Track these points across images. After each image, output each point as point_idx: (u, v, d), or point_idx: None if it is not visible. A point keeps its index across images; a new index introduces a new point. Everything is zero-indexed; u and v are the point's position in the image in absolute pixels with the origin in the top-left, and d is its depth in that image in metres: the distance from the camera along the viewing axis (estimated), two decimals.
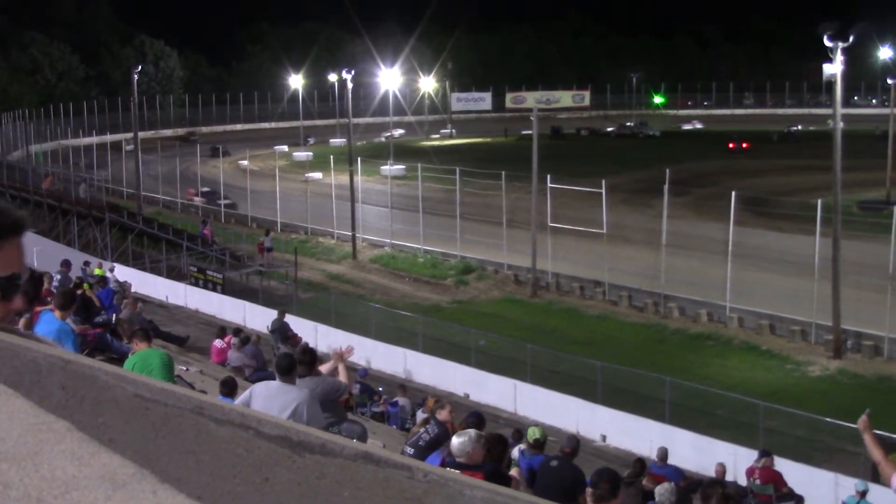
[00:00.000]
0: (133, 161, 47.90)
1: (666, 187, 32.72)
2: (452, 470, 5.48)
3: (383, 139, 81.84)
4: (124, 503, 1.12)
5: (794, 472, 16.31)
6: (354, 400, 19.51)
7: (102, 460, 1.21)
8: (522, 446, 10.83)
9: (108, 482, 1.15)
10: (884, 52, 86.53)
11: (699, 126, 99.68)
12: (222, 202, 49.86)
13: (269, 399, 6.86)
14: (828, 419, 19.80)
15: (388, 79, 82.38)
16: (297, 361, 7.60)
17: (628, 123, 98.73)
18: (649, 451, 17.15)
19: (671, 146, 76.81)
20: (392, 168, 54.07)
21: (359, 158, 45.02)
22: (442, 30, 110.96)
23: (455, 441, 6.65)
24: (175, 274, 35.33)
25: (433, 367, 25.10)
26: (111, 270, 26.93)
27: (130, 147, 62.85)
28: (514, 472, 8.98)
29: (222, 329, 23.23)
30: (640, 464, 13.73)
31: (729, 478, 16.09)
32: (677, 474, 14.33)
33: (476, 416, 9.85)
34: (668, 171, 33.46)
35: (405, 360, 25.73)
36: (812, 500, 16.15)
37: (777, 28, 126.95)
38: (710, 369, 26.04)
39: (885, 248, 27.34)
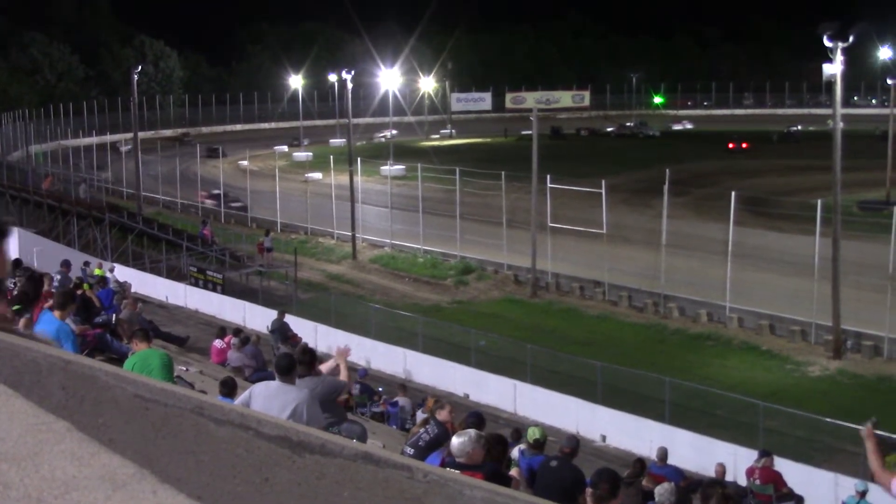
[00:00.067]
0: (133, 161, 47.89)
1: (666, 187, 32.72)
2: (452, 470, 5.48)
3: (375, 140, 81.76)
4: (124, 503, 1.12)
5: (793, 473, 16.31)
6: (354, 400, 19.51)
7: (102, 460, 1.21)
8: (522, 446, 10.83)
9: (108, 482, 1.15)
10: (884, 52, 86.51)
11: (689, 126, 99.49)
12: (234, 204, 49.33)
13: (269, 399, 6.85)
14: (828, 419, 19.80)
15: (388, 79, 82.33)
16: (296, 361, 7.60)
17: (628, 123, 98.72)
18: (649, 452, 17.15)
19: (671, 146, 76.83)
20: (392, 168, 54.07)
21: (359, 159, 45.02)
22: (442, 30, 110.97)
23: (455, 441, 6.65)
24: (175, 274, 35.33)
25: (433, 368, 25.10)
26: (111, 271, 26.92)
27: (125, 147, 62.91)
28: (513, 472, 8.98)
29: (222, 329, 23.22)
30: (639, 464, 13.72)
31: (729, 478, 16.09)
32: (677, 474, 14.33)
33: (476, 417, 9.84)
34: (667, 171, 33.45)
35: (405, 361, 25.73)
36: (812, 500, 16.15)
37: (777, 28, 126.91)
38: (709, 369, 26.04)
39: (885, 248, 27.33)
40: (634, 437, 20.20)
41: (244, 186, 50.36)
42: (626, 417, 20.76)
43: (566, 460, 9.30)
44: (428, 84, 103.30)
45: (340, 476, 1.52)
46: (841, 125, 27.96)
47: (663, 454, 14.77)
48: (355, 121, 55.24)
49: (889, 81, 58.86)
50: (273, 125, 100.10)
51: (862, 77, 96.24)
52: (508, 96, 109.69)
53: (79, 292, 15.68)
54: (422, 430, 9.28)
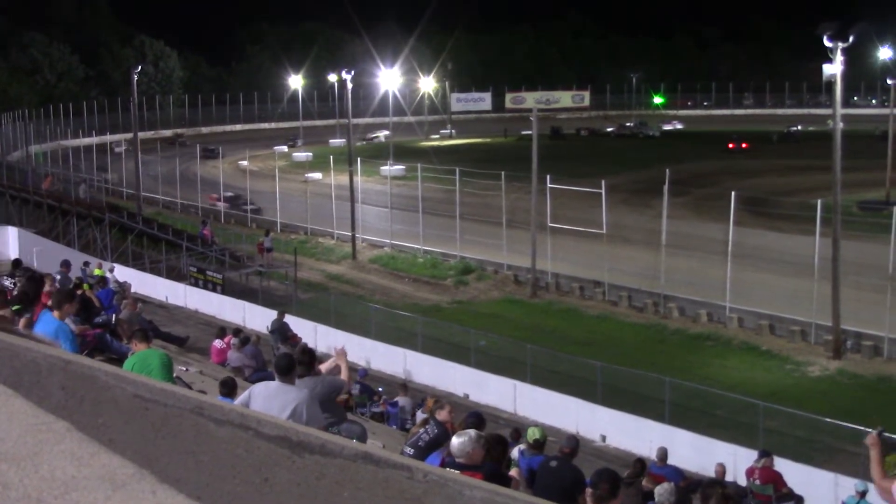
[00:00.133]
0: (132, 161, 47.85)
1: (666, 187, 32.72)
2: (452, 470, 5.48)
3: (367, 142, 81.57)
4: (124, 503, 1.12)
5: (793, 473, 16.30)
6: (354, 400, 19.51)
7: (102, 461, 1.21)
8: (522, 446, 10.83)
9: (107, 482, 1.15)
10: (883, 53, 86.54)
11: (679, 126, 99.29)
12: (248, 207, 48.85)
13: (269, 399, 6.85)
14: (827, 419, 19.81)
15: (388, 79, 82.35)
16: (296, 362, 7.60)
17: (628, 124, 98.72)
18: (649, 452, 17.15)
19: (671, 146, 76.84)
20: (392, 168, 54.07)
21: (359, 159, 45.03)
22: (442, 30, 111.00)
23: (455, 441, 6.65)
24: (175, 274, 35.32)
25: (433, 368, 25.10)
26: (111, 271, 26.92)
27: (120, 148, 62.82)
28: (513, 472, 8.97)
29: (222, 329, 23.22)
30: (639, 464, 13.73)
31: (729, 478, 16.10)
32: (677, 474, 14.33)
33: (476, 417, 9.83)
34: (667, 171, 33.45)
35: (405, 361, 25.73)
36: (812, 500, 16.14)
37: (777, 28, 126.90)
38: (709, 369, 26.04)
39: (885, 248, 27.33)
40: (634, 438, 20.20)
41: (244, 186, 50.34)
42: (626, 417, 20.76)
43: (566, 460, 9.30)
44: (428, 84, 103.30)
45: (340, 476, 1.52)
46: (841, 125, 27.97)
47: (663, 454, 14.77)
48: (355, 121, 55.24)
49: (889, 81, 58.88)
50: (273, 125, 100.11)
51: (862, 77, 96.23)
52: (508, 96, 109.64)
53: (78, 292, 15.67)
54: (421, 430, 9.28)
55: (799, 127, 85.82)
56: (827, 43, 26.85)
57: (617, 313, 31.68)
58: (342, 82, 57.44)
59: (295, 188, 49.99)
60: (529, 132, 47.84)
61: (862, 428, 17.74)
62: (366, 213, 43.55)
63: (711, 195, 42.13)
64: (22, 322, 8.03)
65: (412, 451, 8.58)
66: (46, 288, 10.46)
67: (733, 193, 31.30)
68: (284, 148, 77.02)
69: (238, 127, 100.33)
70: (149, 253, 38.68)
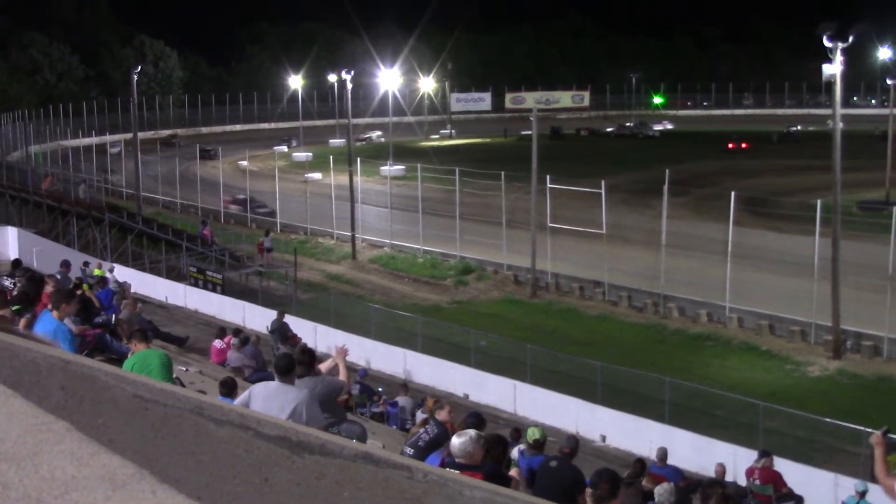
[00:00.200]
0: (129, 162, 47.84)
1: (665, 187, 32.72)
2: (452, 470, 5.48)
3: (359, 143, 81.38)
4: (123, 503, 1.12)
5: (793, 473, 16.31)
6: (354, 400, 19.51)
7: (102, 461, 1.21)
8: (522, 446, 10.83)
9: (107, 482, 1.15)
10: (883, 53, 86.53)
11: (669, 127, 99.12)
12: (261, 210, 48.20)
13: (268, 400, 6.85)
14: (827, 419, 19.81)
15: (388, 79, 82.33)
16: (295, 362, 7.60)
17: (628, 124, 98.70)
18: (649, 452, 17.15)
19: (671, 146, 76.83)
20: (392, 168, 54.06)
21: (358, 159, 45.03)
22: (441, 30, 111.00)
23: (455, 441, 6.65)
24: (175, 274, 35.33)
25: (433, 368, 25.10)
26: (111, 271, 26.92)
27: (115, 149, 62.71)
28: (513, 472, 8.97)
29: (222, 329, 23.22)
30: (639, 464, 13.73)
31: (728, 478, 16.10)
32: (677, 475, 14.33)
33: (476, 417, 9.83)
34: (667, 171, 33.45)
35: (405, 361, 25.73)
36: (812, 500, 16.15)
37: (777, 28, 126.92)
38: (709, 369, 26.05)
39: (885, 248, 27.34)
40: (634, 438, 20.21)
41: (244, 187, 50.32)
42: (626, 417, 20.76)
43: (566, 460, 9.30)
44: (427, 84, 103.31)
45: (340, 476, 1.52)
46: (840, 125, 27.98)
47: (663, 454, 14.77)
48: (355, 121, 55.24)
49: (889, 81, 58.87)
50: (273, 125, 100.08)
51: (862, 77, 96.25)
52: (508, 96, 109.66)
53: (78, 292, 15.66)
54: (421, 430, 9.28)
55: (799, 127, 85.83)
56: (827, 43, 26.86)
57: (617, 313, 31.68)
58: (342, 82, 57.40)
59: (295, 188, 50.00)
60: (529, 132, 47.86)
61: (862, 428, 17.80)
62: (366, 213, 43.55)
63: (711, 195, 42.14)
64: (22, 322, 8.03)
65: (412, 451, 8.58)
66: (49, 288, 10.45)
67: (733, 193, 31.31)
68: (284, 148, 77.02)
69: (238, 127, 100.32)
70: (148, 253, 38.68)
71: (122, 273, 29.81)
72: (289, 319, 25.23)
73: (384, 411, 20.29)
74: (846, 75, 31.66)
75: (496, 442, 7.64)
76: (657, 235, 32.68)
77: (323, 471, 1.53)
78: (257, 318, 28.34)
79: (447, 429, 8.96)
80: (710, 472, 16.03)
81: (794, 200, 38.38)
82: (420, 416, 16.50)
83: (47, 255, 28.77)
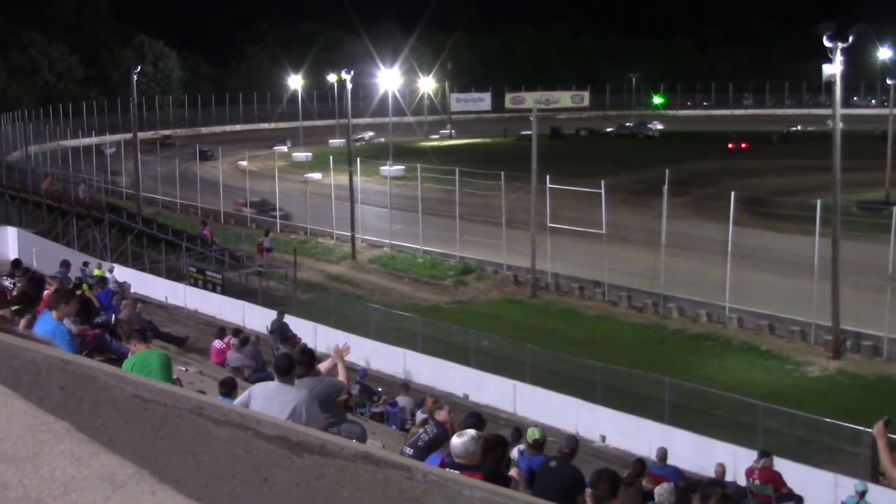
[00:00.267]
0: (120, 162, 47.79)
1: (665, 187, 32.73)
2: (451, 470, 5.48)
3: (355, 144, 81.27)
4: (123, 503, 1.12)
5: (793, 473, 16.31)
6: (354, 400, 19.52)
7: (101, 461, 1.21)
8: (522, 446, 10.82)
9: (107, 483, 1.15)
10: (883, 53, 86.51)
11: (660, 127, 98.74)
12: (275, 213, 47.31)
13: (268, 400, 6.85)
14: (827, 419, 19.81)
15: (388, 79, 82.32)
16: (295, 362, 7.60)
17: (627, 124, 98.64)
18: (649, 452, 17.15)
19: (671, 146, 76.81)
20: (391, 169, 54.06)
21: (358, 159, 45.03)
22: (441, 30, 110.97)
23: (455, 441, 6.65)
24: (174, 274, 35.33)
25: (433, 368, 25.10)
26: (110, 271, 26.92)
27: (109, 150, 62.60)
28: (513, 472, 8.97)
29: (221, 329, 23.22)
30: (639, 464, 13.73)
31: (728, 478, 16.10)
32: (677, 475, 14.33)
33: (475, 417, 9.84)
34: (667, 171, 33.46)
35: (405, 361, 25.73)
36: (811, 500, 16.15)
37: (777, 28, 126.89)
38: (709, 370, 26.05)
39: (885, 248, 27.35)
40: (634, 438, 20.21)
41: (243, 187, 50.31)
42: (626, 418, 20.77)
43: (565, 460, 9.30)
44: (427, 84, 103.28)
45: (340, 476, 1.52)
46: (840, 125, 27.98)
47: (663, 454, 14.78)
48: (354, 121, 55.24)
49: (889, 82, 58.87)
50: (272, 125, 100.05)
51: (861, 77, 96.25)
52: (508, 96, 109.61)
53: (78, 293, 15.66)
54: (421, 430, 9.28)
55: (798, 127, 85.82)
56: (826, 43, 26.87)
57: (616, 313, 31.68)
58: (342, 82, 57.38)
59: (294, 188, 50.01)
60: (529, 132, 47.86)
61: (861, 428, 17.81)
62: (365, 214, 43.55)
63: (711, 195, 42.15)
64: (22, 322, 8.04)
65: (411, 451, 8.57)
66: (53, 288, 10.46)
67: (733, 193, 31.31)
68: (284, 148, 76.98)
69: (238, 127, 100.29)
70: (148, 253, 38.68)
71: (121, 273, 29.81)
72: (288, 319, 25.24)
73: (384, 411, 20.29)
74: (846, 75, 31.67)
75: (496, 442, 7.64)
76: (657, 235, 32.68)
77: (323, 471, 1.53)
78: (257, 319, 28.35)
79: (447, 429, 8.95)
80: (710, 473, 16.04)
81: (794, 200, 38.38)
82: (420, 416, 16.50)
83: (47, 256, 28.77)
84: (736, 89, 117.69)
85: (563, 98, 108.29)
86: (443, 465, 6.74)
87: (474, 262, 37.03)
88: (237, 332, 22.48)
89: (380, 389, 21.60)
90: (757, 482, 15.24)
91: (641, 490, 12.35)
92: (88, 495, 1.11)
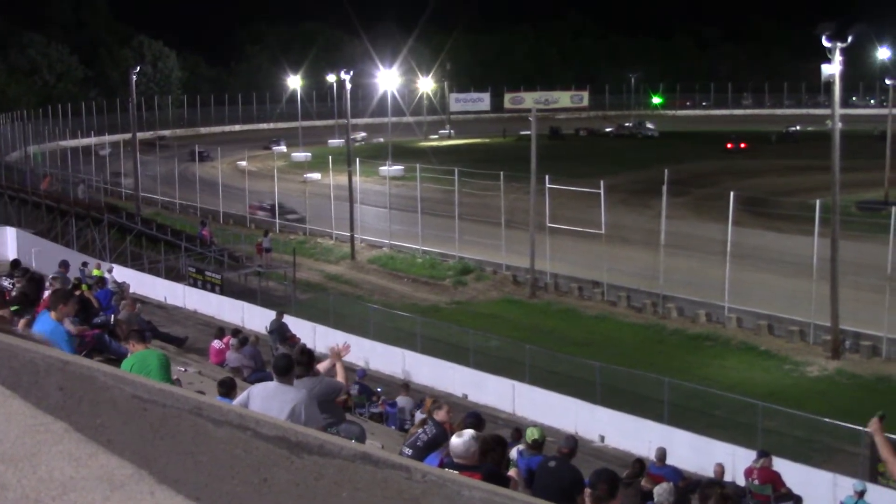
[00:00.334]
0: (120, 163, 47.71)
1: (664, 188, 32.73)
2: (450, 471, 5.48)
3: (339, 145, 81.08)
4: None
5: (792, 473, 16.31)
6: (353, 400, 19.51)
7: (100, 461, 1.21)
8: (521, 447, 10.82)
9: (105, 483, 1.15)
10: (882, 53, 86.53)
11: (651, 126, 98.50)
12: (291, 216, 46.54)
13: (267, 400, 6.86)
14: (826, 419, 19.82)
15: (387, 79, 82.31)
16: (294, 362, 7.60)
17: (627, 124, 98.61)
18: (648, 452, 17.16)
19: (670, 146, 76.82)
20: (390, 169, 54.04)
21: (357, 159, 45.01)
22: (440, 30, 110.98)
23: (454, 441, 6.65)
24: (174, 275, 35.32)
25: (432, 368, 25.10)
26: (110, 271, 26.90)
27: (104, 151, 62.51)
28: (512, 472, 8.97)
29: (221, 330, 23.22)
30: (638, 464, 13.73)
31: (727, 478, 16.10)
32: (676, 475, 14.33)
33: (474, 417, 9.83)
34: (666, 171, 33.46)
35: (404, 361, 25.73)
36: (810, 500, 16.15)
37: (776, 28, 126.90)
38: (708, 370, 26.05)
39: (884, 248, 27.36)
40: (633, 438, 20.21)
41: (242, 187, 50.28)
42: (625, 418, 20.77)
43: (565, 461, 9.30)
44: (426, 84, 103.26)
45: (339, 477, 1.52)
46: (839, 125, 27.99)
47: (662, 454, 14.78)
48: (354, 121, 55.24)
49: (888, 82, 58.87)
50: (272, 125, 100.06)
51: (861, 77, 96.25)
52: (507, 97, 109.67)
53: (77, 293, 15.65)
54: (420, 430, 9.28)
55: (798, 127, 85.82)
56: (825, 43, 26.86)
57: (616, 313, 31.68)
58: (341, 83, 57.35)
59: (294, 188, 49.99)
60: (528, 132, 47.89)
61: (860, 428, 17.81)
62: (365, 214, 43.54)
63: (710, 195, 42.15)
64: (21, 323, 8.03)
65: (410, 451, 8.57)
66: (55, 287, 10.44)
67: (732, 193, 31.32)
68: (283, 148, 76.93)
69: (237, 127, 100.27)
70: (147, 253, 38.68)
71: (120, 273, 29.79)
72: (288, 320, 25.24)
73: (383, 411, 20.29)
74: (845, 75, 31.67)
75: (495, 442, 7.64)
76: (656, 235, 32.69)
77: (321, 471, 1.53)
78: (256, 319, 28.34)
79: (445, 429, 8.95)
80: (709, 473, 16.04)
81: (793, 200, 38.39)
82: (419, 416, 16.50)
83: (46, 256, 28.75)
84: (735, 89, 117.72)
85: (563, 98, 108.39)
86: (442, 465, 6.74)
87: (473, 262, 37.03)
88: (236, 332, 22.48)
89: (379, 390, 21.60)
90: (756, 482, 15.25)
91: (640, 490, 12.35)
92: (87, 496, 1.11)
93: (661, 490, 10.72)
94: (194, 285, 33.26)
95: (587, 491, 6.68)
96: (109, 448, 1.27)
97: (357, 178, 43.50)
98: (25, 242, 32.88)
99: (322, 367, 9.32)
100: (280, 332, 24.04)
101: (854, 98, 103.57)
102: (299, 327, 25.96)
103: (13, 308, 8.61)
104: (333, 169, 47.73)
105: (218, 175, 53.36)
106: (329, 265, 40.21)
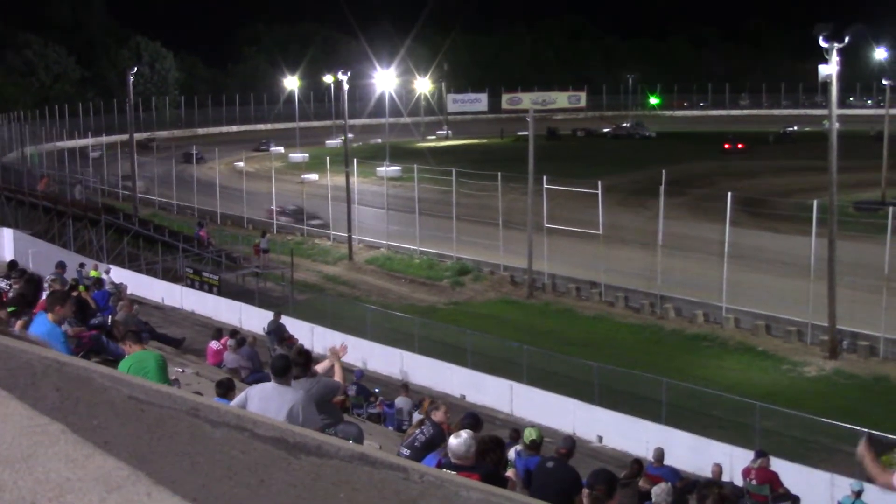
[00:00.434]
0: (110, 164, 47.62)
1: (662, 188, 32.75)
2: (448, 471, 5.47)
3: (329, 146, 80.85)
4: None
5: (790, 473, 16.32)
6: (350, 401, 19.50)
7: (97, 462, 1.20)
8: (519, 447, 10.82)
9: (102, 485, 1.15)
10: (879, 53, 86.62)
11: (636, 124, 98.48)
12: (314, 222, 45.34)
13: (265, 401, 6.85)
14: (824, 419, 19.85)
15: (384, 80, 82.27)
16: (291, 363, 7.59)
17: (624, 124, 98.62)
18: (646, 452, 17.17)
19: (667, 147, 76.87)
20: (388, 169, 54.04)
21: (355, 160, 44.99)
22: (438, 31, 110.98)
23: (452, 442, 6.65)
24: (171, 276, 35.31)
25: (429, 369, 25.10)
26: (107, 272, 26.88)
27: (94, 153, 62.38)
28: (510, 473, 8.97)
29: (218, 331, 23.19)
30: (636, 464, 13.72)
31: (725, 478, 16.10)
32: (674, 475, 14.33)
33: (472, 417, 9.82)
34: (664, 171, 33.48)
35: (401, 362, 25.72)
36: (808, 500, 16.16)
37: (773, 29, 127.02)
38: (706, 370, 26.06)
39: (881, 248, 27.38)
40: (631, 438, 20.22)
41: (240, 188, 50.26)
42: (623, 418, 20.77)
43: (562, 461, 9.30)
44: (424, 85, 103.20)
45: (336, 477, 1.52)
46: (837, 126, 27.99)
47: (660, 455, 14.78)
48: (351, 122, 55.17)
49: (885, 82, 58.92)
50: (269, 126, 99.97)
51: (858, 78, 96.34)
52: (505, 97, 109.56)
53: (74, 294, 15.63)
54: (417, 430, 9.27)
55: (795, 127, 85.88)
56: (822, 44, 26.89)
57: (613, 314, 31.69)
58: (338, 83, 57.34)
59: (291, 189, 49.96)
60: (526, 133, 47.81)
61: (858, 428, 17.84)
62: (362, 214, 43.53)
63: (708, 196, 42.14)
64: (19, 324, 8.02)
65: (408, 451, 8.57)
66: (54, 289, 10.43)
67: (729, 194, 31.32)
68: (281, 149, 76.89)
69: (234, 128, 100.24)
70: (145, 254, 38.65)
71: (118, 274, 29.76)
72: (285, 320, 25.23)
73: (381, 412, 20.28)
74: (842, 76, 31.66)
75: (494, 443, 7.64)
76: (654, 236, 32.69)
77: (319, 472, 1.52)
78: (254, 320, 28.33)
79: (443, 429, 8.95)
80: (707, 473, 16.04)
81: (791, 201, 38.42)
82: (416, 416, 16.49)
83: (43, 257, 28.68)
84: (732, 90, 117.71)
85: (560, 99, 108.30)
86: (440, 465, 6.73)
87: (471, 262, 37.03)
88: (234, 333, 22.46)
89: (377, 390, 21.60)
90: (754, 482, 15.25)
91: (638, 490, 12.35)
92: (83, 497, 1.11)
93: (658, 490, 10.72)
94: (192, 286, 33.24)
95: (585, 491, 6.67)
96: (106, 449, 1.26)
97: (355, 179, 43.49)
98: (22, 243, 32.81)
99: (320, 367, 9.31)
100: (278, 332, 24.03)
101: (851, 98, 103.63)
102: (297, 328, 25.95)
103: (10, 309, 8.60)
104: (331, 170, 47.73)
105: (215, 176, 53.35)
106: (326, 266, 40.19)
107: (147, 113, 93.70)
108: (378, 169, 54.96)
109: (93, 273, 25.52)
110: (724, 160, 67.19)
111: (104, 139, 64.15)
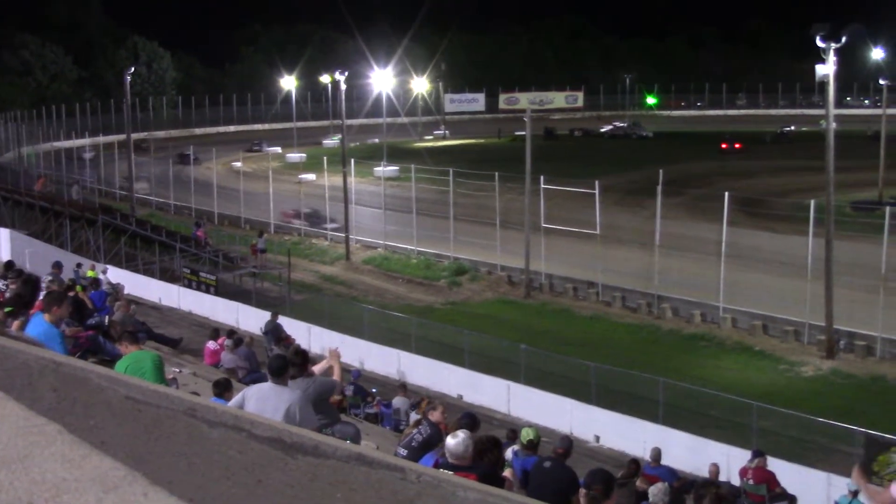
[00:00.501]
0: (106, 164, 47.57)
1: (659, 188, 32.76)
2: (445, 471, 5.47)
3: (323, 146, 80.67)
4: None
5: (787, 472, 16.34)
6: (347, 401, 19.50)
7: (94, 463, 1.20)
8: (516, 447, 10.82)
9: (99, 485, 1.15)
10: (876, 53, 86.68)
11: (629, 123, 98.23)
12: (330, 226, 43.99)
13: (262, 401, 6.85)
14: (821, 419, 19.86)
15: (382, 80, 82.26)
16: (288, 363, 7.59)
17: (620, 124, 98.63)
18: (643, 452, 17.16)
19: (665, 147, 76.90)
20: (385, 169, 54.02)
21: (352, 160, 44.97)
22: (435, 31, 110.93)
23: (450, 442, 6.65)
24: (168, 276, 35.28)
25: (427, 369, 25.09)
26: (104, 272, 26.84)
27: (89, 154, 62.25)
28: (507, 473, 8.97)
29: (215, 331, 23.16)
30: (633, 464, 13.73)
31: (722, 478, 16.12)
32: (671, 475, 14.34)
33: (469, 417, 9.83)
34: (661, 171, 33.49)
35: (399, 362, 25.72)
36: (805, 499, 16.18)
37: (771, 29, 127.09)
38: (703, 370, 26.07)
39: (878, 248, 27.39)
40: (628, 438, 20.22)
41: (237, 188, 50.22)
42: (620, 418, 20.78)
43: (560, 461, 9.31)
44: (421, 85, 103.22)
45: (333, 478, 1.52)
46: (834, 126, 28.02)
47: (657, 455, 14.79)
48: (348, 122, 55.14)
49: (881, 82, 58.99)
50: (266, 126, 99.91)
51: (855, 78, 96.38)
52: (502, 97, 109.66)
53: (71, 294, 15.61)
54: (415, 430, 9.27)
55: (792, 127, 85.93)
56: (820, 44, 26.91)
57: (611, 314, 31.70)
58: (335, 83, 57.32)
59: (288, 189, 49.94)
60: (523, 133, 47.83)
61: (855, 428, 17.86)
62: (359, 214, 43.52)
63: (705, 196, 42.12)
64: (15, 324, 8.01)
65: (405, 451, 8.57)
66: (52, 288, 10.42)
67: (727, 194, 31.33)
68: (278, 149, 76.86)
69: (231, 128, 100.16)
70: (142, 254, 38.63)
71: (115, 274, 29.72)
72: (282, 320, 25.22)
73: (378, 412, 20.28)
74: (839, 76, 31.70)
75: (491, 443, 7.64)
76: (651, 236, 32.71)
77: (316, 472, 1.52)
78: (251, 320, 28.30)
79: (440, 429, 8.95)
80: (704, 473, 16.05)
81: (788, 201, 38.46)
82: (414, 416, 16.49)
83: (40, 257, 28.66)
84: (730, 90, 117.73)
85: (557, 99, 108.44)
86: (437, 465, 6.73)
87: (468, 262, 37.04)
88: (231, 333, 22.45)
89: (374, 390, 21.60)
90: (751, 482, 15.27)
91: (636, 490, 12.35)
92: (80, 497, 1.11)
93: (656, 490, 10.73)
94: (189, 286, 33.22)
95: (582, 491, 6.67)
96: (103, 449, 1.26)
97: (352, 179, 43.46)
98: (19, 244, 32.77)
99: (318, 367, 9.32)
100: (275, 332, 24.03)
101: (848, 98, 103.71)
102: (294, 328, 25.95)
103: (7, 310, 8.59)
104: (328, 170, 47.69)
105: (213, 176, 53.30)
106: (324, 266, 40.18)
107: (144, 113, 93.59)
108: (375, 169, 54.95)
109: (90, 273, 25.50)
110: (721, 160, 67.20)
111: (101, 139, 64.01)
